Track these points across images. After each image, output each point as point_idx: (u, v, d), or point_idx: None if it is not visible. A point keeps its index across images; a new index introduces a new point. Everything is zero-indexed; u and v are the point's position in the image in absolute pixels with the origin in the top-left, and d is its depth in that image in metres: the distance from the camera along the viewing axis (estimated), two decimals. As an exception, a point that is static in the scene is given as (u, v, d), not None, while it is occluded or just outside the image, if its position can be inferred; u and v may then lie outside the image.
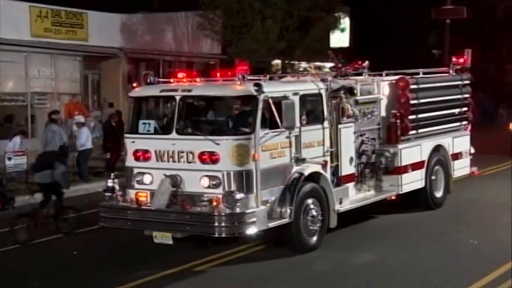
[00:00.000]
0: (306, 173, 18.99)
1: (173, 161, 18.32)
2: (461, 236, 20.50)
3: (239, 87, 18.28)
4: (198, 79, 19.36)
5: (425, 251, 19.20)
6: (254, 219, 17.59)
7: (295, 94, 18.97)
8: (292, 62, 44.43)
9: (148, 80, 19.68)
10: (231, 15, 40.69)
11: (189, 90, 18.74)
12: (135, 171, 18.94)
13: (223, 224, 17.52)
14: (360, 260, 18.49)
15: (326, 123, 19.86)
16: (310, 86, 19.89)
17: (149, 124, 18.93)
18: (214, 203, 17.61)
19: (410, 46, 58.66)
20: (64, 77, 40.84)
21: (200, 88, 19.08)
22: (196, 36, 46.38)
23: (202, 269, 18.16)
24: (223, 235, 17.66)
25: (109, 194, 19.11)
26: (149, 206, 18.44)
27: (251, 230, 17.73)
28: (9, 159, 28.56)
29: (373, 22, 57.23)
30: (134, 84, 20.13)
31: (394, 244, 20.03)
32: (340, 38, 48.93)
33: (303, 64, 46.94)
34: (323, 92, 19.87)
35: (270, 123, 18.22)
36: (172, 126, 18.41)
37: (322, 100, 19.83)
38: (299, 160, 18.98)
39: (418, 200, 23.48)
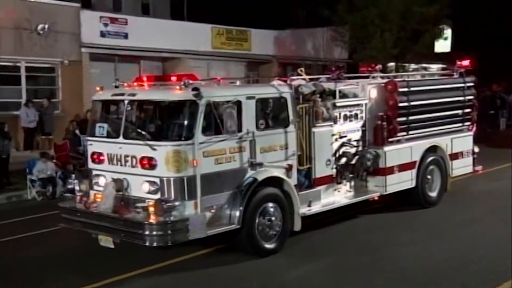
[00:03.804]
0: (260, 178, 13.65)
1: (121, 165, 13.41)
2: (428, 247, 14.48)
3: (177, 92, 13.04)
4: (146, 84, 14.17)
5: (374, 263, 13.43)
6: (189, 227, 12.46)
7: (250, 98, 13.69)
8: (404, 64, 42.01)
9: (114, 84, 14.62)
10: (357, 29, 39.60)
11: (134, 95, 13.64)
12: (93, 173, 14.11)
13: (154, 233, 12.43)
14: (296, 274, 12.90)
15: (291, 127, 14.42)
16: (269, 90, 14.44)
17: (103, 127, 14.00)
18: (152, 209, 12.46)
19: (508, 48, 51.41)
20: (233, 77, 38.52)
21: (144, 92, 13.87)
22: (329, 46, 44.85)
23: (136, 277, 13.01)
24: (155, 244, 12.56)
25: (70, 194, 14.36)
26: (95, 209, 13.53)
27: (186, 239, 12.56)
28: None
29: (472, 28, 50.61)
30: (97, 88, 14.95)
31: (350, 252, 14.18)
32: (443, 45, 44.54)
33: (413, 66, 43.82)
34: (287, 96, 14.43)
35: (215, 128, 12.97)
36: (120, 130, 13.48)
37: (286, 104, 14.42)
38: (254, 165, 13.66)
39: (410, 199, 17.57)
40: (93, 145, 14.10)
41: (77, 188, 14.21)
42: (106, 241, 13.30)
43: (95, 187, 14.04)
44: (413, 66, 43.86)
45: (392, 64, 42.19)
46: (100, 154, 13.85)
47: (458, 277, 12.46)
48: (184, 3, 42.87)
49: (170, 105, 13.41)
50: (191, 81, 13.29)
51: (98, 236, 13.42)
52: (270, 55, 43.61)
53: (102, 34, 33.92)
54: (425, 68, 43.90)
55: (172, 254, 13.74)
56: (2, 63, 29.44)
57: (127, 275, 12.96)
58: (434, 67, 44.01)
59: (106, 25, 34.05)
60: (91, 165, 14.16)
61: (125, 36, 34.91)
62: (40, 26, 30.86)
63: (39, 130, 30.14)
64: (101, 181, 13.82)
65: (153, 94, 13.82)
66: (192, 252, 14.00)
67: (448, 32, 43.72)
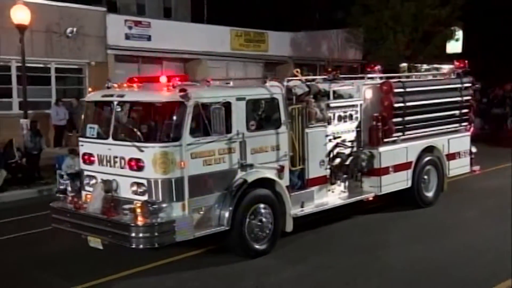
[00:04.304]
0: (250, 179, 12.65)
1: (110, 166, 12.44)
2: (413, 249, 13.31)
3: (165, 93, 12.06)
4: (136, 85, 13.17)
5: (370, 263, 12.37)
6: (175, 229, 11.51)
7: (240, 99, 12.67)
8: (415, 65, 40.95)
9: (106, 85, 13.66)
10: (371, 31, 38.95)
11: (122, 96, 12.69)
12: (85, 173, 13.14)
13: (140, 235, 11.49)
14: (287, 275, 11.87)
15: (283, 128, 13.36)
16: (259, 91, 13.37)
17: (94, 128, 13.01)
18: (138, 211, 11.50)
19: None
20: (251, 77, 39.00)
21: (132, 93, 12.89)
22: (344, 47, 44.12)
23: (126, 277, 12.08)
24: (141, 246, 11.63)
25: (61, 195, 13.40)
26: (84, 210, 12.60)
27: (173, 241, 11.61)
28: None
29: (484, 31, 49.18)
30: (90, 89, 14.01)
31: (345, 253, 13.13)
32: (454, 46, 43.31)
33: (425, 66, 42.10)
34: (278, 97, 13.37)
35: (203, 129, 11.97)
36: (109, 131, 12.53)
37: (278, 105, 13.36)
38: (245, 166, 12.67)
39: (406, 200, 16.41)
40: (84, 146, 13.17)
41: (69, 188, 13.31)
42: (95, 242, 12.39)
43: (86, 188, 13.11)
44: (425, 66, 42.45)
45: (404, 64, 41.18)
46: (91, 155, 12.93)
47: (458, 274, 11.58)
48: (205, 7, 42.76)
49: (158, 106, 12.46)
50: (179, 82, 12.33)
51: (88, 237, 12.50)
52: (286, 56, 42.99)
53: (127, 37, 34.01)
54: (437, 69, 42.65)
55: (163, 255, 12.79)
56: (34, 65, 29.11)
57: (119, 275, 12.08)
58: (446, 68, 42.91)
59: (130, 28, 34.08)
60: (82, 166, 13.24)
61: (148, 39, 34.80)
62: (69, 30, 30.90)
63: (68, 127, 29.90)
64: (92, 182, 12.89)
65: (141, 95, 12.85)
66: (184, 252, 13.03)
67: (459, 34, 42.65)
